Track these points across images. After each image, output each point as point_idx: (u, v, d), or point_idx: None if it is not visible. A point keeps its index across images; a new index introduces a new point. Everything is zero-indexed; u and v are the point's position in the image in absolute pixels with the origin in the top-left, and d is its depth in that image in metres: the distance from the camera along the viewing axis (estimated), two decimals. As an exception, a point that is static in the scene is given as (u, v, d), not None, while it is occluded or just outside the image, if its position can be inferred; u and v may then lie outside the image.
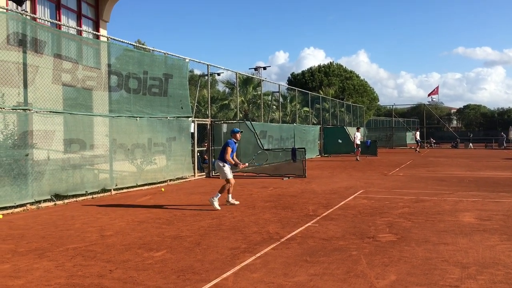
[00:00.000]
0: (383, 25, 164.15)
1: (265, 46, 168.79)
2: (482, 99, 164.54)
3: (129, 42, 13.33)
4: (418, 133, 35.95)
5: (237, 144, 10.08)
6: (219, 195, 9.52)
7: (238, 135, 10.08)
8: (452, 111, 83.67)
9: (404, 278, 4.86)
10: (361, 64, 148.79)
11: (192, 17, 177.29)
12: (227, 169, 9.66)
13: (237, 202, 9.99)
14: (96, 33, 14.03)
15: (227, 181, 9.65)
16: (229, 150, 9.68)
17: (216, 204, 9.33)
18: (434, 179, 14.83)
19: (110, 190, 12.01)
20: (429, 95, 52.33)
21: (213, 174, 16.94)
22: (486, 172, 17.41)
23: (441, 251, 5.92)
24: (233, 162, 9.79)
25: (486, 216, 8.35)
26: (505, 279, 4.79)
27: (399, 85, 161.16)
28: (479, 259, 5.53)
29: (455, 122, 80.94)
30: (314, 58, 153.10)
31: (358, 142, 25.60)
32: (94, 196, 11.44)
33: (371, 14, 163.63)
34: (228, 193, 9.88)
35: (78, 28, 14.14)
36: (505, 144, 42.24)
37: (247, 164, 10.59)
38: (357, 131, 26.58)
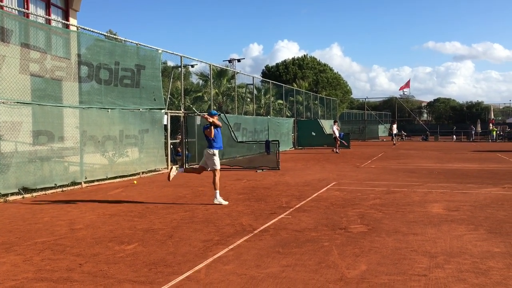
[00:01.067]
0: (356, 19, 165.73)
1: (239, 38, 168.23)
2: (451, 93, 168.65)
3: (100, 32, 13.07)
4: (395, 126, 36.40)
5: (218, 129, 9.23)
6: (217, 191, 9.01)
7: (215, 117, 9.18)
8: (423, 104, 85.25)
9: (374, 268, 4.93)
10: (334, 57, 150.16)
11: (164, 7, 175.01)
12: (217, 158, 9.11)
13: (223, 202, 9.10)
14: (66, 22, 13.66)
15: (215, 171, 9.02)
16: (210, 129, 9.01)
17: (221, 199, 9.00)
18: (404, 171, 15.10)
19: (80, 183, 11.80)
20: (400, 88, 53.21)
21: (186, 166, 16.84)
22: (455, 164, 17.83)
23: (411, 241, 6.04)
24: (215, 122, 9.08)
25: (454, 207, 8.56)
26: (472, 268, 4.92)
27: (372, 79, 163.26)
28: (447, 249, 5.66)
29: (425, 115, 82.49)
30: (288, 50, 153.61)
31: (337, 134, 25.68)
32: (64, 189, 11.22)
33: (343, 7, 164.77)
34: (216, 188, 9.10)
35: (47, 17, 13.76)
36: (473, 137, 43.35)
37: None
38: (334, 124, 26.80)
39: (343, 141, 26.70)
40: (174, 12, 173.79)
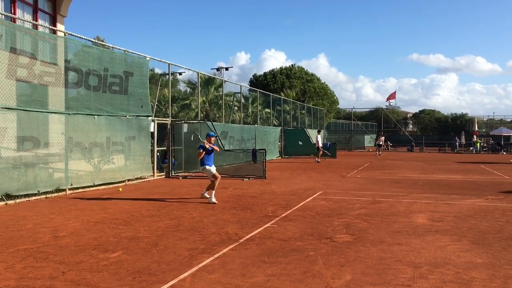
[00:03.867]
0: (343, 30, 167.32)
1: (226, 47, 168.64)
2: (436, 105, 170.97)
3: (88, 38, 13.01)
4: (383, 138, 37.29)
5: (211, 148, 10.45)
6: (213, 192, 10.26)
7: (212, 139, 10.53)
8: (408, 115, 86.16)
9: (359, 277, 4.96)
10: (321, 67, 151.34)
11: (152, 15, 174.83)
12: (208, 168, 10.39)
13: (206, 197, 10.59)
14: (53, 28, 13.58)
15: (214, 177, 10.28)
16: (200, 152, 10.28)
17: (213, 199, 10.20)
18: (390, 181, 15.21)
19: (65, 190, 11.67)
20: (387, 99, 53.72)
21: (173, 174, 16.77)
22: (439, 175, 18.02)
23: (395, 251, 6.08)
24: (213, 147, 10.46)
25: (438, 217, 8.64)
26: (455, 278, 4.97)
27: (358, 89, 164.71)
28: (431, 259, 5.71)
29: (411, 126, 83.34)
30: (275, 60, 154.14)
31: (321, 145, 26.08)
32: (48, 195, 11.08)
33: (329, 18, 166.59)
34: (208, 189, 10.55)
35: (34, 22, 13.66)
36: (458, 148, 43.85)
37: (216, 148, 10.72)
38: (318, 133, 27.01)
39: (325, 151, 27.03)
40: (161, 20, 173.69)
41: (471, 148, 42.51)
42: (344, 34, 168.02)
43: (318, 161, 25.07)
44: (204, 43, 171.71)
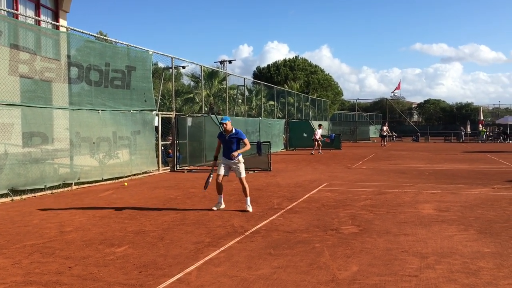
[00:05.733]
0: (345, 21, 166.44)
1: (229, 40, 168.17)
2: (440, 94, 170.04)
3: (90, 33, 13.01)
4: (386, 127, 36.50)
5: (226, 136, 8.45)
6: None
7: (223, 124, 8.44)
8: (413, 105, 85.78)
9: (365, 269, 4.94)
10: (324, 58, 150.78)
11: (153, 9, 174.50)
12: (220, 164, 8.56)
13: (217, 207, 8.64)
14: (56, 23, 13.55)
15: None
16: (217, 142, 8.65)
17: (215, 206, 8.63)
18: (395, 172, 15.16)
19: (70, 185, 11.71)
20: (393, 91, 53.58)
21: (178, 168, 16.78)
22: (445, 164, 17.94)
23: (401, 242, 6.06)
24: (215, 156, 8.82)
25: (444, 207, 8.60)
26: (462, 268, 4.94)
27: (361, 80, 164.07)
28: (438, 249, 5.69)
29: (416, 116, 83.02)
30: (278, 52, 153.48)
31: (318, 137, 25.99)
32: (54, 191, 11.12)
33: (332, 8, 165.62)
34: (219, 193, 8.67)
35: (36, 18, 13.64)
36: (463, 138, 43.68)
37: (236, 154, 8.36)
38: (319, 128, 27.05)
39: (324, 140, 27.26)
40: (163, 14, 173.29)
41: (478, 138, 42.22)
42: (346, 25, 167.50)
43: (311, 153, 25.09)
44: (206, 36, 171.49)
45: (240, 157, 8.46)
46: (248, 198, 8.45)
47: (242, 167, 8.48)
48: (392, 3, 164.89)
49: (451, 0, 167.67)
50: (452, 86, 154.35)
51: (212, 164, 9.04)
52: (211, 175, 8.63)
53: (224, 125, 8.37)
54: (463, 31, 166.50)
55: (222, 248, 5.81)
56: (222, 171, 8.47)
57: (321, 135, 26.69)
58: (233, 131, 8.46)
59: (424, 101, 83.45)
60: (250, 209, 8.31)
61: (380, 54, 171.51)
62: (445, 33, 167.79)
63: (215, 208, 8.51)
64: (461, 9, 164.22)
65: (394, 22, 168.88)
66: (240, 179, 8.47)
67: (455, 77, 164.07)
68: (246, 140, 8.55)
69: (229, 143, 8.43)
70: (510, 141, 40.28)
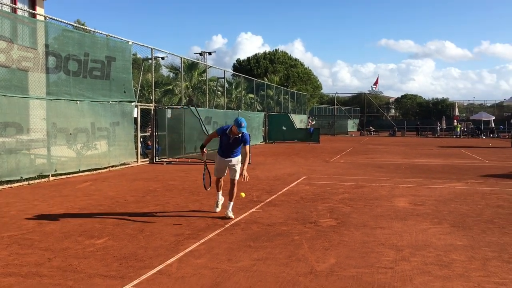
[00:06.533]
0: (316, 15, 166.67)
1: (202, 31, 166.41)
2: (411, 89, 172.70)
3: (68, 22, 12.80)
4: (309, 120, 35.19)
5: (232, 138, 7.41)
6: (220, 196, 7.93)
7: (234, 127, 7.23)
8: (391, 100, 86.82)
9: (343, 261, 5.06)
10: (296, 51, 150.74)
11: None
12: (216, 164, 7.76)
13: (217, 210, 7.79)
14: (32, 11, 13.30)
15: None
16: (211, 134, 7.90)
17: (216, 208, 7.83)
18: (372, 166, 15.41)
19: (48, 176, 11.56)
20: (373, 86, 54.22)
21: (157, 160, 16.71)
22: (421, 159, 18.31)
23: (378, 235, 6.21)
24: (203, 147, 7.93)
25: (419, 201, 8.82)
26: (436, 260, 5.10)
27: (334, 73, 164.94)
28: (412, 242, 5.85)
29: (393, 111, 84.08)
30: (251, 44, 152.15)
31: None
32: (31, 182, 10.97)
33: (306, 3, 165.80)
34: (218, 190, 7.90)
35: (13, 5, 13.35)
36: (439, 133, 44.51)
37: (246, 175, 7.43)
38: (311, 119, 27.96)
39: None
40: (137, 4, 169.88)
41: (453, 133, 43.06)
42: (317, 20, 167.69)
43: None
44: (176, 27, 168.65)
45: (239, 158, 7.68)
46: (232, 204, 7.42)
47: (238, 167, 7.61)
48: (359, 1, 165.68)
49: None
50: (423, 82, 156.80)
51: (202, 156, 7.94)
52: (205, 171, 7.94)
53: (235, 130, 7.21)
54: (428, 27, 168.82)
55: (202, 240, 5.86)
56: (220, 174, 7.76)
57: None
58: (241, 134, 7.38)
59: (401, 96, 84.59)
60: (232, 215, 7.24)
61: (353, 49, 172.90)
62: (411, 29, 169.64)
63: (217, 209, 7.73)
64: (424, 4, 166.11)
65: (361, 18, 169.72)
66: (233, 181, 7.55)
67: (427, 73, 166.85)
68: (247, 147, 7.59)
69: (231, 145, 7.49)
70: (484, 137, 41.23)
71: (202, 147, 7.94)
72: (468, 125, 47.65)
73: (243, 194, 7.75)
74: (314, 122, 27.17)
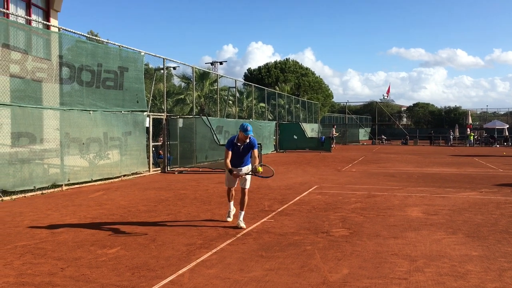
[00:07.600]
0: (328, 24, 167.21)
1: (212, 41, 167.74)
2: (423, 98, 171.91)
3: (81, 33, 12.96)
4: (334, 129, 35.31)
5: (241, 146, 7.38)
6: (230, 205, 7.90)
7: (241, 133, 7.26)
8: (402, 108, 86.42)
9: (356, 271, 5.01)
10: (306, 60, 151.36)
11: (137, 10, 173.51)
12: (226, 174, 7.62)
13: (229, 219, 7.76)
14: (47, 23, 13.50)
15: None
16: (226, 153, 7.39)
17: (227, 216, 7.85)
18: (385, 175, 15.30)
19: (61, 186, 11.66)
20: (385, 94, 54.07)
21: (168, 169, 16.77)
22: (434, 168, 18.13)
23: (391, 245, 6.14)
24: (229, 167, 7.38)
25: (433, 210, 8.72)
26: (451, 271, 5.03)
27: (344, 82, 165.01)
28: (427, 252, 5.78)
29: (405, 119, 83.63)
30: (262, 53, 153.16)
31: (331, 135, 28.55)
32: (44, 191, 11.07)
33: (315, 13, 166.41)
34: (229, 200, 7.88)
35: (28, 17, 13.57)
36: (451, 141, 44.10)
37: (237, 171, 7.51)
38: (333, 127, 28.92)
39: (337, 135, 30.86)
40: (151, 14, 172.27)
41: (466, 142, 42.57)
42: (328, 29, 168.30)
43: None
44: (187, 37, 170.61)
45: (249, 167, 7.59)
46: (243, 213, 7.37)
47: (249, 177, 7.53)
48: (375, 10, 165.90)
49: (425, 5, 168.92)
50: (435, 90, 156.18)
51: (235, 173, 7.47)
52: (252, 175, 7.52)
53: (242, 135, 7.22)
54: (440, 35, 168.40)
55: (214, 250, 5.85)
56: (231, 184, 7.68)
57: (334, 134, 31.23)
58: (248, 139, 7.32)
59: (413, 104, 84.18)
60: (243, 225, 7.21)
61: (364, 58, 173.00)
62: (422, 38, 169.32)
63: (229, 219, 7.70)
64: (438, 14, 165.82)
65: (373, 27, 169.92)
66: (243, 190, 7.46)
67: (438, 81, 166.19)
68: (256, 152, 7.46)
69: (241, 153, 7.43)
70: (498, 145, 40.76)
71: (227, 167, 7.40)
72: (482, 134, 47.16)
73: (260, 169, 7.18)
74: (338, 134, 27.58)
